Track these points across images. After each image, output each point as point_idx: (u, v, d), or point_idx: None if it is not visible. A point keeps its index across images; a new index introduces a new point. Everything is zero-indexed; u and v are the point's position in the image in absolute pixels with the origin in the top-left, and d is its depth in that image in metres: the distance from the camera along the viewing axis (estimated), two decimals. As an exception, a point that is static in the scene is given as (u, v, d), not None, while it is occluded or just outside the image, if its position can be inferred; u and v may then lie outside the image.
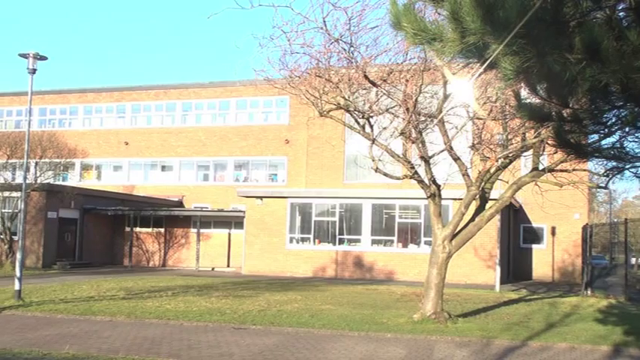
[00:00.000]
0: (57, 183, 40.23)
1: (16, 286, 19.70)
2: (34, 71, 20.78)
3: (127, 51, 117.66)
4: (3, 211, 35.38)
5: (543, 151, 18.02)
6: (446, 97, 16.57)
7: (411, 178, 18.01)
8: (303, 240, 36.55)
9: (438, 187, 17.78)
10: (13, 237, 34.65)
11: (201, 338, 13.93)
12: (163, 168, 49.95)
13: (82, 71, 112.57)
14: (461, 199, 18.23)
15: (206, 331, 14.88)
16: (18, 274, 19.79)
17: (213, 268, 40.26)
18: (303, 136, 44.17)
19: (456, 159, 17.49)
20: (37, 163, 35.81)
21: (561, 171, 17.85)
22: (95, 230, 42.07)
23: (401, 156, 17.68)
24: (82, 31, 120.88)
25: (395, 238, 35.14)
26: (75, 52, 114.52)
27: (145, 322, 16.11)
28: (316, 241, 36.20)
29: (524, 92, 6.61)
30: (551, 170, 17.74)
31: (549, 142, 14.98)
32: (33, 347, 12.36)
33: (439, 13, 4.85)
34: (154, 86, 50.65)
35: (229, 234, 42.41)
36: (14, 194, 34.81)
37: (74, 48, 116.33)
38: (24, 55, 20.62)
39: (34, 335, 13.95)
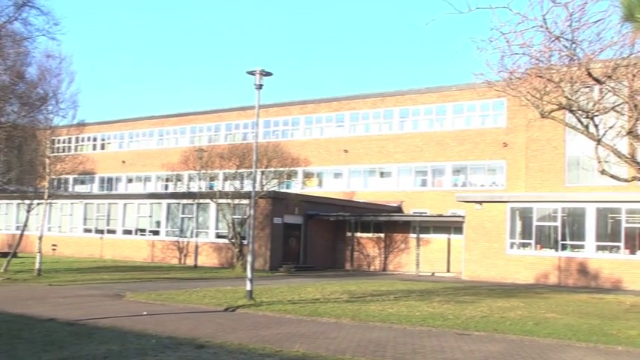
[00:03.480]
0: (281, 190, 42.16)
1: (248, 287, 20.94)
2: (260, 87, 22.01)
3: (344, 60, 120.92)
4: (233, 217, 37.64)
5: None
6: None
7: (640, 180, 17.04)
8: (523, 245, 35.64)
9: (671, 189, 16.65)
10: (242, 241, 36.83)
11: (424, 343, 14.03)
12: (382, 174, 50.80)
13: (303, 83, 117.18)
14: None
15: (429, 336, 14.95)
16: (249, 275, 21.02)
17: (433, 273, 40.31)
18: (522, 139, 43.12)
19: (690, 159, 16.35)
20: (263, 172, 37.68)
21: None
22: (318, 235, 43.62)
23: (628, 156, 16.78)
24: (300, 44, 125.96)
25: (621, 244, 33.29)
26: (295, 64, 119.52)
27: (369, 325, 16.48)
28: (537, 246, 35.17)
29: None
30: None
31: None
32: (266, 344, 13.09)
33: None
34: (371, 94, 51.70)
35: (448, 239, 42.30)
36: (243, 201, 37.01)
37: (294, 61, 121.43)
38: (251, 73, 21.89)
39: (266, 333, 14.76)
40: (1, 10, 15.23)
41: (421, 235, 42.01)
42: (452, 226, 41.87)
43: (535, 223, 35.48)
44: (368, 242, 45.09)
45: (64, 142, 50.69)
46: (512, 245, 35.81)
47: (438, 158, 47.86)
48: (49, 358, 11.21)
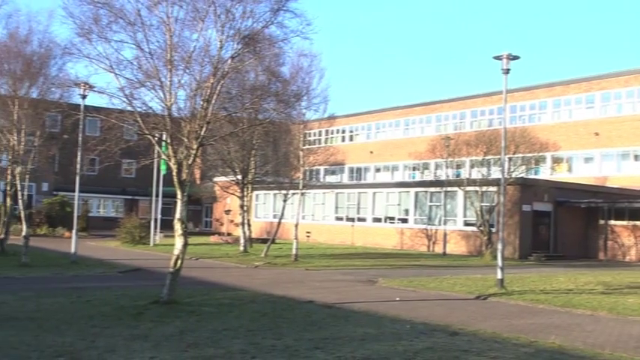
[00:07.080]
0: (530, 177, 41.30)
1: (498, 275, 20.93)
2: (507, 71, 21.77)
3: (592, 38, 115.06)
4: (481, 204, 37.49)
5: None
6: None
7: None
8: None
9: None
10: (491, 229, 36.62)
11: (692, 341, 13.21)
12: (637, 158, 47.93)
13: (548, 65, 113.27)
14: None
15: (692, 334, 14.06)
16: (499, 264, 20.97)
17: (696, 264, 37.56)
18: None
19: None
20: (510, 159, 37.18)
21: None
22: (568, 223, 42.26)
23: None
24: (545, 24, 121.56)
25: None
26: (541, 46, 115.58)
27: (628, 319, 15.74)
28: None
29: None
30: None
31: None
32: (520, 334, 13.03)
33: None
34: (623, 72, 48.99)
35: None
36: (491, 189, 36.75)
37: (540, 42, 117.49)
38: (498, 57, 21.70)
39: (519, 322, 14.71)
40: (259, 17, 16.38)
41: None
42: None
43: None
44: (622, 231, 42.80)
45: (315, 135, 53.15)
46: None
47: (702, 138, 44.31)
48: (311, 337, 11.92)
